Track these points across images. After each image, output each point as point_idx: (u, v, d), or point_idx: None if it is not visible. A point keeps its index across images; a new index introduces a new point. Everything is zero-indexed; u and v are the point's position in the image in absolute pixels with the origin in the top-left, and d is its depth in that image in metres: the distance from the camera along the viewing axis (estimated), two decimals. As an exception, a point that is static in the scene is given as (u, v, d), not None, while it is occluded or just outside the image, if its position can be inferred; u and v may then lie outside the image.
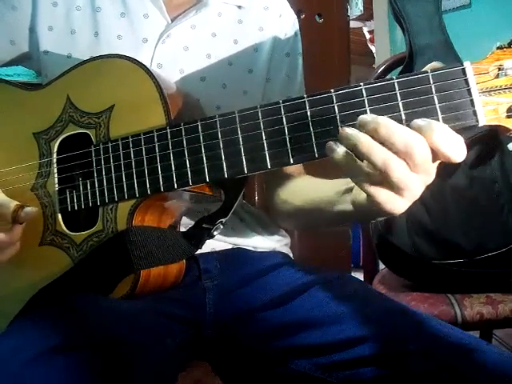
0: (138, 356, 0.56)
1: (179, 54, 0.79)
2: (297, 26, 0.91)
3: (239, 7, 0.85)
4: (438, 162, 0.49)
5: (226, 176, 0.58)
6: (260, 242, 0.83)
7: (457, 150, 0.47)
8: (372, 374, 0.57)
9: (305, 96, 0.55)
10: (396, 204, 0.49)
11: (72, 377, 0.48)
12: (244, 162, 0.57)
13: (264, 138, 0.56)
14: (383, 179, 0.48)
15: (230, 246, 0.80)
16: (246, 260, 0.78)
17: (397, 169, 0.47)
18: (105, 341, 0.54)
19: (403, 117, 0.51)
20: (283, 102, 0.56)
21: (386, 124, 0.48)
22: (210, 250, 0.77)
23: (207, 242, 0.75)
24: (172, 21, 0.80)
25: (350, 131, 0.49)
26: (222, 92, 0.80)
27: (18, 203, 0.64)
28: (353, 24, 3.68)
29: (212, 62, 0.81)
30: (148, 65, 0.67)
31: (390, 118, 0.50)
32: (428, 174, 0.48)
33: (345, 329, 0.61)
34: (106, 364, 0.51)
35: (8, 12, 0.80)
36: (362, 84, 0.53)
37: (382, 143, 0.47)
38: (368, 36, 4.35)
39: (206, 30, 0.81)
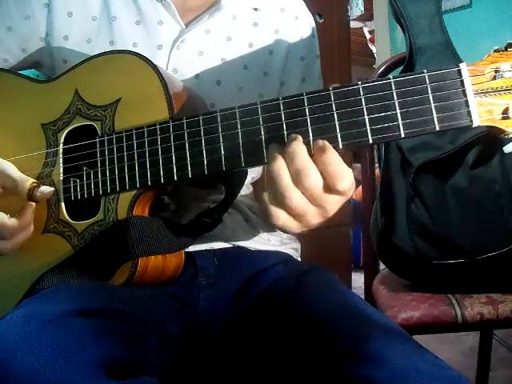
0: (148, 331, 0.57)
1: (194, 59, 0.79)
2: (314, 28, 0.89)
3: (255, 9, 0.84)
4: (335, 197, 0.53)
5: (224, 169, 0.59)
6: (263, 245, 0.82)
7: (342, 174, 0.52)
8: None
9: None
10: (289, 226, 0.55)
11: (89, 338, 0.49)
12: (242, 157, 0.58)
13: (262, 133, 0.57)
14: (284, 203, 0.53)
15: (230, 246, 0.80)
16: (245, 259, 0.78)
17: (294, 197, 0.52)
18: (117, 312, 0.55)
19: (398, 116, 0.53)
20: (283, 99, 0.58)
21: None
22: (209, 248, 0.77)
23: (206, 240, 0.75)
24: (186, 26, 0.80)
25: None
26: (238, 95, 0.81)
27: (34, 181, 0.65)
28: (353, 24, 3.68)
29: (227, 66, 0.81)
30: None
31: (386, 116, 0.52)
32: (324, 207, 0.54)
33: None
34: (120, 330, 0.52)
35: (21, 21, 0.81)
36: (359, 83, 0.54)
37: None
38: (368, 36, 4.36)
39: (220, 34, 0.81)
